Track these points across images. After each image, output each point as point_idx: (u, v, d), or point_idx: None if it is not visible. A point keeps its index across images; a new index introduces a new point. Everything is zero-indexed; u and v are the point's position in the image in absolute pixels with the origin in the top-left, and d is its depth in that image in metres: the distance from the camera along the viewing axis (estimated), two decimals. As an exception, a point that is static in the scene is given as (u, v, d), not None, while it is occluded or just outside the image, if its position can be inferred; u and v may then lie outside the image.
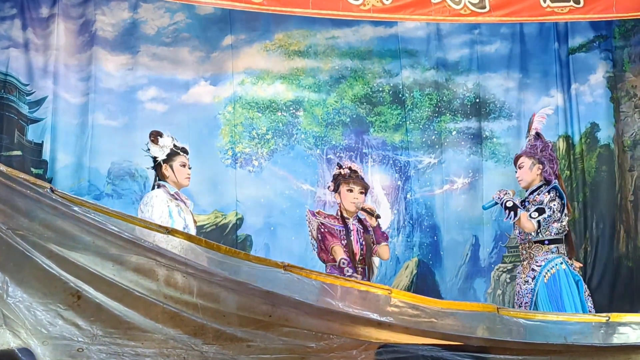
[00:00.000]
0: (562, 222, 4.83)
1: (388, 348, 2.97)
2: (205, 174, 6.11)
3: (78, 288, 2.81)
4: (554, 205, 4.78)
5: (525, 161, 4.99)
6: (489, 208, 5.15)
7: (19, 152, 5.85)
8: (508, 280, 6.52)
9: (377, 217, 4.77)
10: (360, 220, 4.86)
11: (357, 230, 4.79)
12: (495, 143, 6.74)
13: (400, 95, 6.69)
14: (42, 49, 6.00)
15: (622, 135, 6.68)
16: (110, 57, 6.18)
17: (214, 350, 2.87)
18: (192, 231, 4.42)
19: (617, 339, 3.24)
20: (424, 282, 6.43)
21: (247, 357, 2.89)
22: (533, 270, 4.80)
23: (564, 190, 4.95)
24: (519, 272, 4.99)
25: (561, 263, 4.79)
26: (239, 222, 6.25)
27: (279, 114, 6.50)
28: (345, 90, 6.64)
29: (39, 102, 5.96)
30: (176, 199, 4.45)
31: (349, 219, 4.78)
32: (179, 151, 4.54)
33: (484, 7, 5.84)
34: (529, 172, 4.96)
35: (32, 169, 5.78)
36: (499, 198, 4.90)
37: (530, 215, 4.77)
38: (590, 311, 4.69)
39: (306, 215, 4.87)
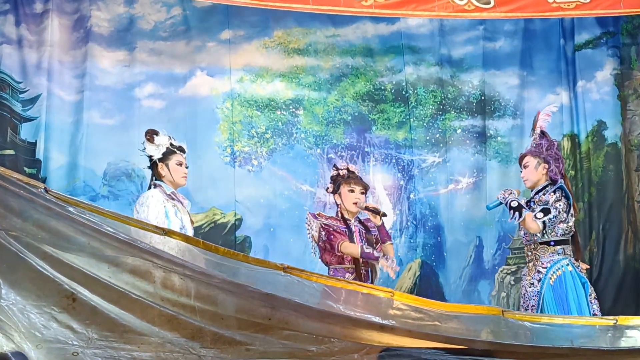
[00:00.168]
0: (568, 222, 4.78)
1: (390, 352, 2.94)
2: (203, 169, 6.08)
3: (73, 290, 2.78)
4: (560, 205, 4.73)
5: (531, 160, 4.93)
6: (494, 208, 5.10)
7: (12, 151, 5.81)
8: (512, 283, 6.47)
9: (383, 215, 4.73)
10: (361, 222, 4.83)
11: (360, 232, 4.75)
12: (499, 142, 6.70)
13: (403, 93, 6.63)
14: (35, 46, 5.96)
15: (629, 134, 6.62)
16: (105, 53, 6.14)
17: (212, 354, 2.85)
18: (189, 232, 4.38)
19: (625, 343, 3.21)
20: (428, 284, 6.38)
21: (245, 361, 2.85)
22: (539, 272, 4.75)
23: (570, 190, 4.89)
24: (524, 274, 4.94)
25: (567, 265, 4.74)
26: (238, 222, 6.21)
27: (279, 112, 6.45)
28: (347, 88, 6.59)
29: (32, 100, 5.92)
30: (173, 199, 4.40)
31: (350, 220, 4.75)
32: (175, 150, 4.49)
33: (489, 3, 5.80)
34: (535, 172, 4.91)
35: (26, 169, 5.73)
36: (503, 198, 4.85)
37: (535, 215, 4.72)
38: (596, 314, 4.64)
39: (306, 218, 4.82)
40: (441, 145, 6.61)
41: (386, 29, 6.64)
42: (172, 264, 2.86)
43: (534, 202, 4.87)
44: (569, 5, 5.80)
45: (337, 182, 4.82)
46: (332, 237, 4.62)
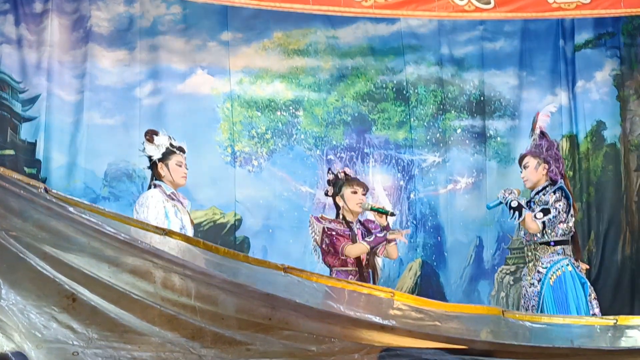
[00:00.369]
0: (568, 222, 4.78)
1: (391, 352, 2.94)
2: (204, 167, 6.06)
3: (73, 290, 2.78)
4: (560, 205, 4.73)
5: (531, 161, 4.93)
6: (494, 207, 5.10)
7: (12, 152, 5.80)
8: (512, 283, 6.47)
9: (392, 214, 4.73)
10: (362, 223, 4.83)
11: (362, 234, 4.75)
12: (499, 142, 6.69)
13: (404, 92, 6.63)
14: (35, 45, 5.94)
15: (628, 135, 6.62)
16: (105, 53, 6.12)
17: (212, 354, 2.85)
18: (189, 232, 4.38)
19: (625, 343, 3.22)
20: (429, 284, 6.38)
21: (246, 361, 2.85)
22: (539, 272, 4.75)
23: (570, 190, 4.89)
24: (524, 275, 4.94)
25: (567, 265, 4.73)
26: (238, 223, 6.20)
27: (279, 113, 6.45)
28: (347, 88, 6.58)
29: (32, 100, 5.90)
30: (173, 199, 4.39)
31: (352, 222, 4.74)
32: (175, 150, 4.49)
33: (489, 3, 5.79)
34: (535, 172, 4.90)
35: (26, 169, 5.72)
36: (503, 197, 4.86)
37: (535, 215, 4.72)
38: (595, 314, 4.64)
39: (309, 221, 4.81)
40: (441, 145, 6.61)
41: (386, 29, 6.63)
42: (173, 264, 2.86)
43: (533, 202, 4.87)
44: (569, 6, 5.79)
45: (337, 184, 4.81)
46: (335, 240, 4.62)
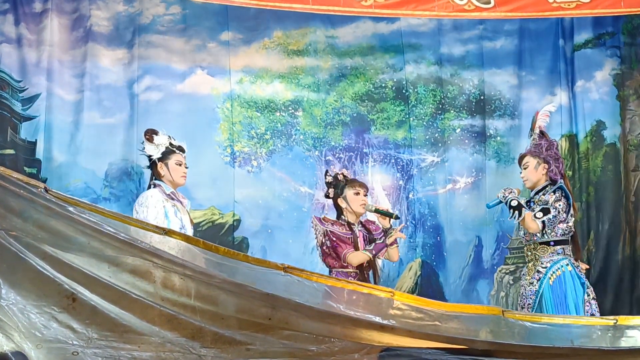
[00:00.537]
0: (567, 222, 4.77)
1: (391, 352, 2.93)
2: (203, 167, 6.05)
3: (73, 290, 2.78)
4: (560, 205, 4.73)
5: (530, 161, 4.93)
6: (494, 207, 5.10)
7: (12, 151, 5.79)
8: (511, 282, 6.47)
9: (396, 217, 4.75)
10: (363, 225, 4.82)
11: (363, 236, 4.76)
12: (498, 142, 6.69)
13: (403, 91, 6.63)
14: (35, 45, 5.94)
15: (628, 134, 6.62)
16: (105, 52, 6.12)
17: (212, 354, 2.84)
18: (189, 232, 4.37)
19: (625, 343, 3.21)
20: (429, 284, 6.38)
21: (246, 361, 2.84)
22: (538, 272, 4.75)
23: (570, 190, 4.89)
24: (524, 274, 4.94)
25: (567, 265, 4.73)
26: (236, 223, 6.20)
27: (278, 114, 6.45)
28: (346, 88, 6.58)
29: (32, 99, 5.90)
30: (172, 198, 4.39)
31: (354, 224, 4.74)
32: (174, 149, 4.48)
33: (489, 3, 5.78)
34: (535, 172, 4.90)
35: (26, 168, 5.71)
36: (503, 197, 4.86)
37: (535, 215, 4.72)
38: (595, 314, 4.64)
39: (312, 222, 4.81)
40: (440, 144, 6.61)
41: (386, 28, 6.63)
42: (172, 263, 2.85)
43: (533, 202, 4.87)
44: (569, 5, 5.79)
45: (338, 186, 4.80)
46: (336, 245, 4.62)
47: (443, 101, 6.66)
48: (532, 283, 4.76)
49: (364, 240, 4.74)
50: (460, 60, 6.73)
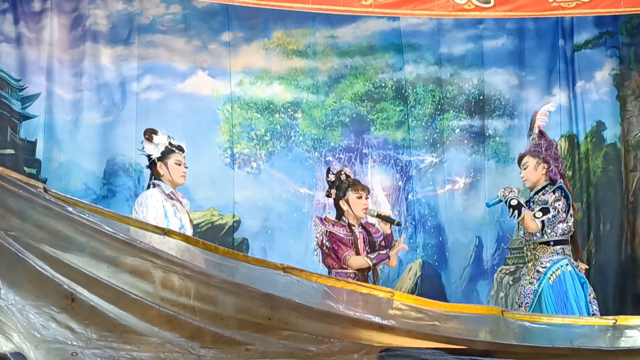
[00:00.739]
0: (567, 222, 4.77)
1: (390, 352, 2.94)
2: (203, 168, 6.04)
3: (72, 290, 2.78)
4: (559, 205, 4.73)
5: (530, 161, 4.93)
6: (493, 205, 5.11)
7: (11, 151, 5.77)
8: (511, 283, 6.46)
9: (398, 224, 4.77)
10: (363, 226, 4.83)
11: (364, 238, 4.76)
12: (497, 142, 6.68)
13: (403, 91, 6.62)
14: (34, 44, 5.92)
15: (627, 135, 6.62)
16: (104, 50, 6.10)
17: (212, 354, 2.84)
18: (189, 231, 4.37)
19: (624, 343, 3.21)
20: (429, 284, 6.36)
21: (245, 361, 2.84)
22: (538, 272, 4.75)
23: (570, 190, 4.89)
24: (523, 274, 4.94)
25: (567, 264, 4.73)
26: (236, 224, 6.20)
27: (277, 115, 6.45)
28: (345, 89, 6.57)
29: (31, 98, 5.88)
30: (172, 198, 4.38)
31: (354, 226, 4.74)
32: (174, 149, 4.48)
33: (489, 2, 5.78)
34: (534, 172, 4.90)
35: (25, 168, 5.69)
36: (503, 196, 4.86)
37: (534, 215, 4.72)
38: (595, 314, 4.64)
39: (313, 221, 4.81)
40: (439, 145, 6.60)
41: (387, 25, 6.62)
42: (172, 263, 2.86)
43: (533, 202, 4.87)
44: (569, 5, 5.78)
45: (340, 187, 4.79)
46: (337, 247, 4.63)
47: (442, 101, 6.65)
48: (531, 283, 4.76)
49: (364, 242, 4.74)
50: (459, 60, 6.71)
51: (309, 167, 6.44)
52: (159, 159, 4.43)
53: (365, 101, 6.58)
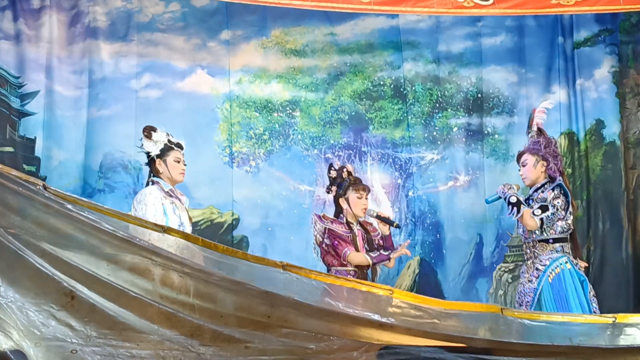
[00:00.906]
0: (566, 220, 4.77)
1: (390, 349, 2.93)
2: (202, 166, 6.05)
3: (72, 288, 2.76)
4: (558, 203, 4.73)
5: (529, 158, 4.93)
6: (492, 202, 5.11)
7: (10, 148, 5.76)
8: (510, 281, 6.47)
9: (397, 226, 4.78)
10: (361, 224, 4.83)
11: (362, 235, 4.76)
12: (496, 139, 6.69)
13: (401, 89, 6.62)
14: (33, 41, 5.92)
15: (626, 132, 6.62)
16: (103, 46, 6.11)
17: (211, 352, 2.83)
18: (188, 229, 4.36)
19: (623, 341, 3.21)
20: (427, 282, 6.38)
21: (245, 359, 2.84)
22: (537, 269, 4.75)
23: (569, 187, 4.89)
24: (522, 272, 4.94)
25: (566, 262, 4.74)
26: (235, 222, 6.20)
27: (276, 114, 6.45)
28: (344, 87, 6.58)
29: (30, 95, 5.88)
30: (171, 195, 4.38)
31: (353, 224, 4.75)
32: (173, 146, 4.47)
33: (488, -1, 5.78)
34: (533, 170, 4.90)
35: (25, 166, 5.68)
36: (502, 193, 4.86)
37: (533, 212, 4.71)
38: (595, 312, 4.64)
39: (312, 219, 4.82)
40: (438, 142, 6.60)
41: (385, 24, 6.62)
42: (171, 261, 2.84)
43: (532, 199, 4.87)
44: (568, 2, 5.77)
45: (341, 185, 4.80)
46: (336, 243, 4.64)
47: (440, 99, 6.66)
48: (530, 281, 4.76)
49: (363, 239, 4.74)
50: (458, 57, 6.72)
51: (308, 165, 6.45)
52: (158, 156, 4.43)
53: (364, 99, 6.58)
